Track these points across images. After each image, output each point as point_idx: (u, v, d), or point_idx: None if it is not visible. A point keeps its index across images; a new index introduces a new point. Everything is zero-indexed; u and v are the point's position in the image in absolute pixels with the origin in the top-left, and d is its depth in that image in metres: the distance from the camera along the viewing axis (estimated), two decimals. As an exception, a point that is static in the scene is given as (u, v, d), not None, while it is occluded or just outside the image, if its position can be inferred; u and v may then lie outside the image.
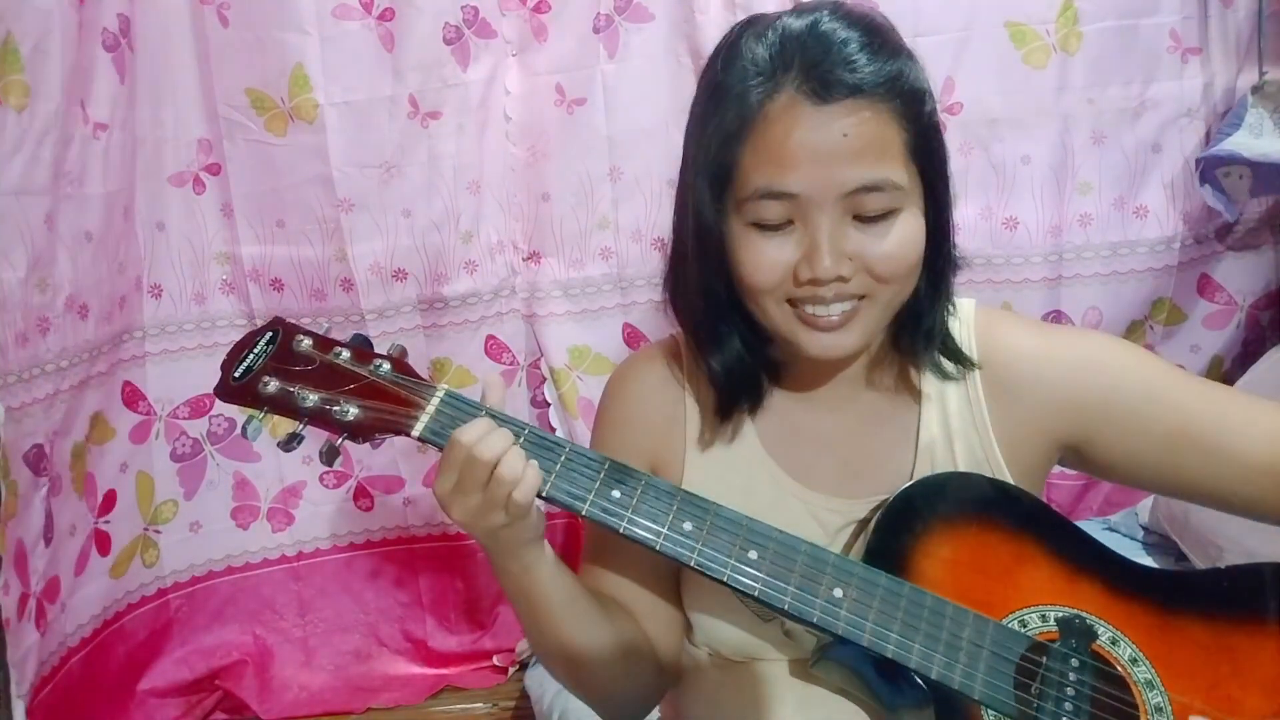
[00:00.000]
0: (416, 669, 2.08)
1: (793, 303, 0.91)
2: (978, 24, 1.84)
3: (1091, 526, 1.91)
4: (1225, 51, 1.86)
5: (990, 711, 0.86)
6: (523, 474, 0.85)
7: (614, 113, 1.90)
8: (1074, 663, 0.87)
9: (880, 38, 0.88)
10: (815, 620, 0.86)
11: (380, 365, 0.92)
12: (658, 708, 1.13)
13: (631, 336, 2.02)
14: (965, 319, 1.01)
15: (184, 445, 1.95)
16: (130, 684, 1.89)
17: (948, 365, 0.99)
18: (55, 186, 1.56)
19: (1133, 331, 1.96)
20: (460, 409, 0.90)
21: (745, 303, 0.94)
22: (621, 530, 0.89)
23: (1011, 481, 0.97)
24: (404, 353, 0.95)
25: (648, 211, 1.95)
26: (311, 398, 0.91)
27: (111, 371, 1.79)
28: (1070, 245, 1.93)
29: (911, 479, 0.97)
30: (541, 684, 1.75)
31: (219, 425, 1.97)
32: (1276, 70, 1.82)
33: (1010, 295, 1.94)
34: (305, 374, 0.92)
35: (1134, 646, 0.89)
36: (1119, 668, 0.88)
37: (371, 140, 1.85)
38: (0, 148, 1.46)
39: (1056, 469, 1.03)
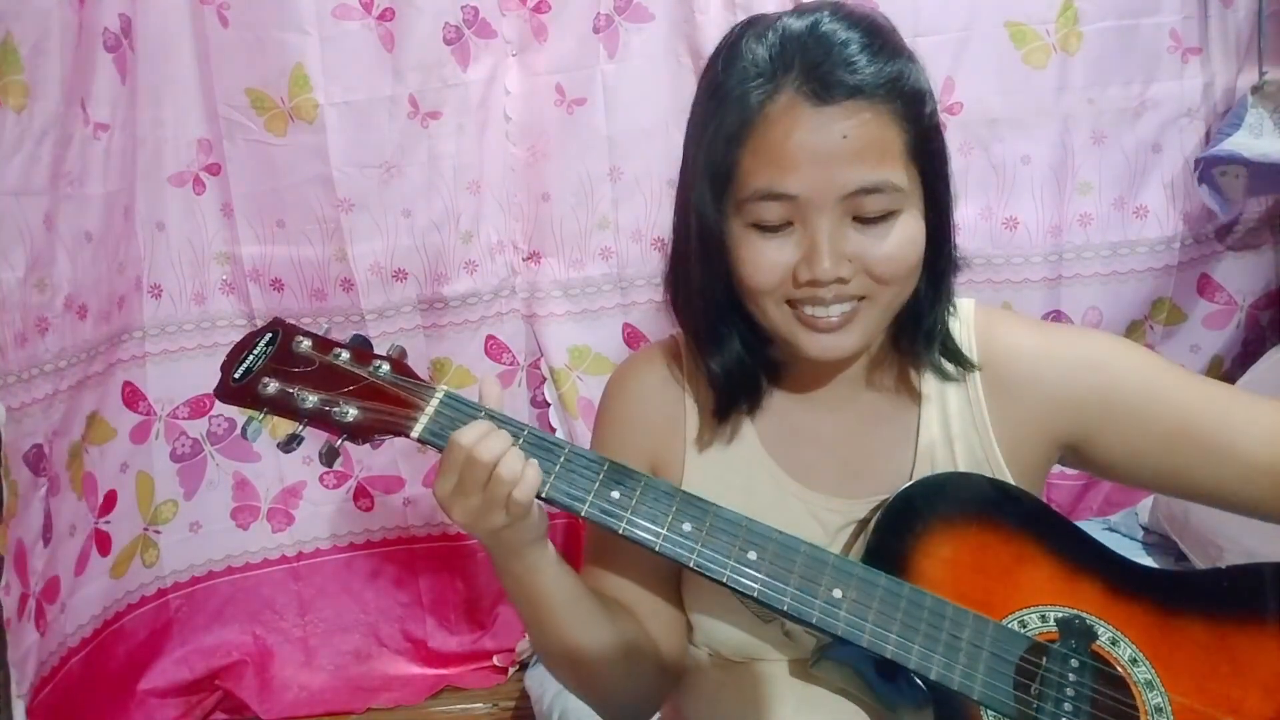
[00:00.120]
0: (416, 669, 2.08)
1: (792, 304, 0.91)
2: (978, 24, 1.84)
3: (1091, 526, 1.91)
4: (1225, 51, 1.87)
5: (989, 712, 0.86)
6: (522, 474, 0.85)
7: (614, 113, 1.90)
8: (1074, 663, 0.87)
9: (881, 39, 0.88)
10: (814, 621, 0.86)
11: (379, 366, 0.92)
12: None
13: (631, 336, 2.02)
14: (965, 319, 1.01)
15: (184, 445, 1.95)
16: (130, 684, 1.89)
17: (948, 366, 0.99)
18: (54, 186, 1.56)
19: (1133, 331, 1.96)
20: (459, 410, 0.90)
21: (745, 303, 0.94)
22: (621, 531, 0.88)
23: (1012, 481, 0.97)
24: (403, 354, 0.95)
25: (648, 211, 1.95)
26: (311, 399, 0.91)
27: (109, 371, 1.79)
28: (1070, 245, 1.93)
29: (911, 479, 0.97)
30: (541, 684, 1.75)
31: (219, 425, 1.97)
32: (1276, 70, 1.82)
33: (1010, 295, 1.94)
34: (305, 375, 0.92)
35: (1134, 647, 0.89)
36: (1119, 668, 0.88)
37: (371, 140, 1.85)
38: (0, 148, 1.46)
39: (1056, 469, 1.03)
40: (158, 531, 1.93)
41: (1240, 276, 1.98)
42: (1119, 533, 1.91)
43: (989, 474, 0.97)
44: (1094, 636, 0.88)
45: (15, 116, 1.46)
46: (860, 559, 0.91)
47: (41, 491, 1.57)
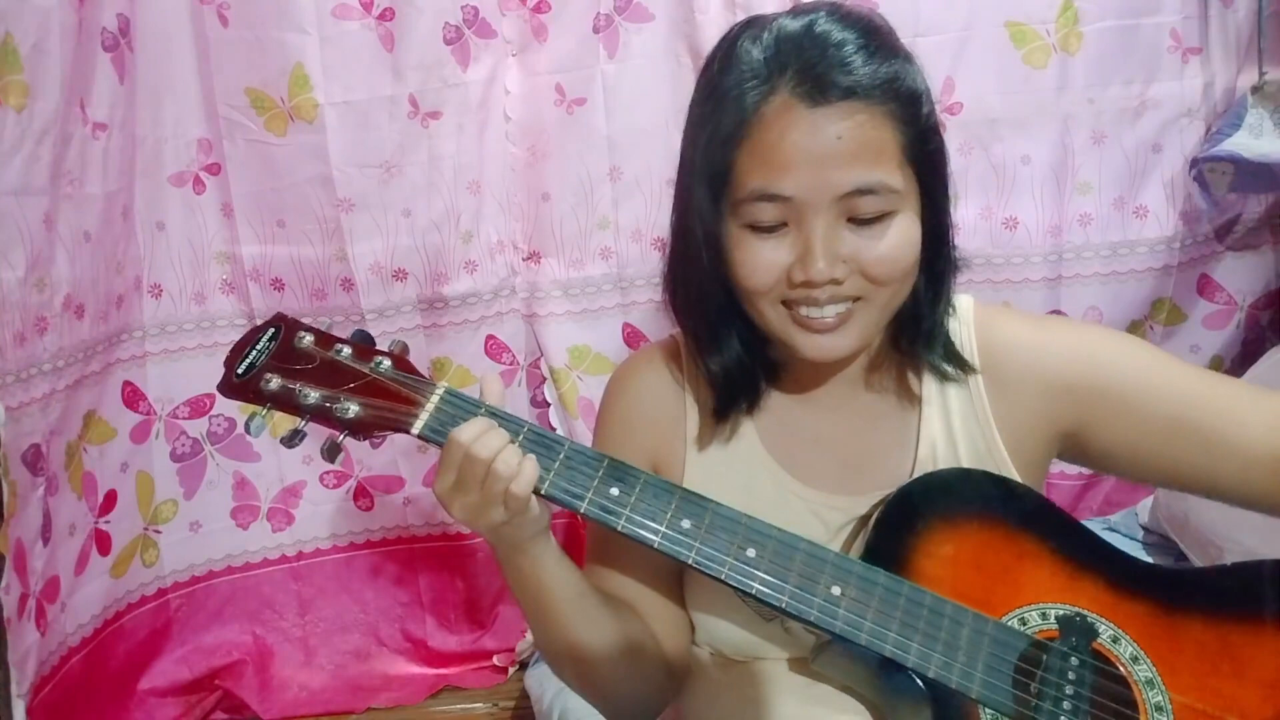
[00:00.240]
0: (416, 669, 2.08)
1: (788, 304, 0.91)
2: (978, 24, 1.84)
3: (1091, 526, 1.89)
4: (1225, 51, 1.86)
5: (987, 710, 0.86)
6: (518, 470, 0.85)
7: (614, 113, 1.90)
8: (1074, 661, 0.87)
9: (878, 39, 0.88)
10: (813, 619, 0.86)
11: (381, 362, 0.92)
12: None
13: (631, 336, 2.02)
14: (964, 317, 1.01)
15: (184, 445, 1.95)
16: (130, 684, 1.89)
17: (947, 368, 0.99)
18: (54, 186, 1.55)
19: (1132, 332, 1.96)
20: (460, 407, 0.91)
21: (742, 304, 0.94)
22: (620, 528, 0.89)
23: (1015, 474, 0.97)
24: (405, 349, 0.95)
25: (648, 211, 1.95)
26: (312, 395, 0.91)
27: (108, 371, 1.79)
28: (1070, 245, 1.93)
29: (912, 476, 0.97)
30: (541, 684, 1.75)
31: (219, 425, 1.97)
32: (1276, 70, 1.82)
33: (1010, 295, 1.94)
34: (307, 371, 0.92)
35: (1135, 645, 0.89)
36: (1120, 666, 0.88)
37: (371, 140, 1.85)
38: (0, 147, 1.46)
39: (1057, 469, 1.03)
40: (158, 531, 1.93)
41: (1240, 276, 1.98)
42: (1119, 533, 1.91)
43: (992, 469, 0.97)
44: (1095, 634, 0.88)
45: (15, 116, 1.46)
46: (860, 557, 0.91)
47: (40, 491, 1.56)
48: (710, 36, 1.79)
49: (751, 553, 0.88)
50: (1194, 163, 1.84)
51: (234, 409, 1.95)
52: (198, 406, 1.95)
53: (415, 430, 0.90)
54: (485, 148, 1.91)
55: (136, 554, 1.88)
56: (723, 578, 0.87)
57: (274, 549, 2.04)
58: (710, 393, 1.01)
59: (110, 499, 1.80)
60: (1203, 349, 2.00)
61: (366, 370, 0.92)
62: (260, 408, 0.93)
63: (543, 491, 0.88)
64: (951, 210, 0.96)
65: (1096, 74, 1.86)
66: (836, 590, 0.87)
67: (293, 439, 0.92)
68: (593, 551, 1.07)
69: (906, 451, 1.00)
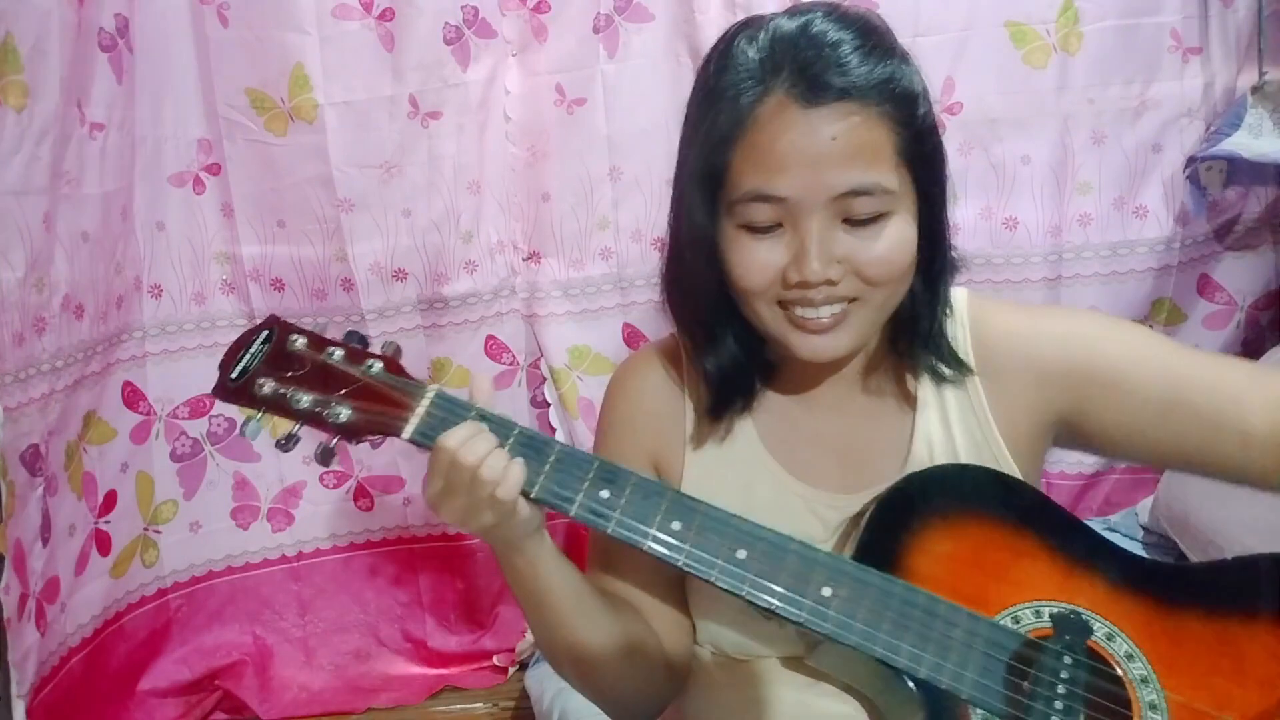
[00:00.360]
0: (416, 669, 2.08)
1: (783, 305, 0.91)
2: (978, 24, 1.84)
3: (1091, 526, 1.90)
4: (1225, 51, 1.86)
5: (978, 711, 0.85)
6: (504, 474, 0.85)
7: (614, 113, 1.90)
8: (1068, 660, 0.85)
9: (874, 40, 0.88)
10: (802, 620, 0.86)
11: (372, 366, 0.92)
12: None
13: (631, 336, 2.02)
14: (959, 312, 1.01)
15: (184, 445, 1.95)
16: (130, 684, 1.89)
17: (945, 371, 0.98)
18: (53, 186, 1.56)
19: (1133, 331, 1.96)
20: (450, 410, 0.90)
21: (738, 304, 0.94)
22: (610, 531, 0.88)
23: (1014, 469, 0.97)
24: (398, 351, 0.94)
25: (648, 211, 1.95)
26: (304, 400, 0.90)
27: (107, 371, 1.80)
28: (1070, 245, 1.93)
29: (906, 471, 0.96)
30: (541, 684, 1.75)
31: (219, 425, 1.97)
32: (1276, 70, 1.82)
33: (1010, 295, 1.93)
34: (299, 375, 0.92)
35: (1130, 642, 0.88)
36: (1114, 664, 0.87)
37: (371, 140, 1.85)
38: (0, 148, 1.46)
39: (1057, 469, 1.03)
40: (158, 531, 1.93)
41: (1240, 277, 1.98)
42: (1119, 533, 1.90)
43: (991, 461, 0.96)
44: (1089, 632, 0.87)
45: (15, 116, 1.46)
46: (852, 554, 0.90)
47: (39, 491, 1.57)
48: (710, 36, 1.77)
49: (742, 554, 0.87)
50: (1190, 161, 1.84)
51: (233, 409, 1.94)
52: (198, 407, 1.95)
53: (405, 435, 0.90)
54: (485, 148, 1.91)
55: (136, 554, 1.89)
56: (713, 580, 0.87)
57: (274, 549, 2.04)
58: (707, 392, 1.01)
59: (110, 499, 1.80)
60: (1203, 349, 1.99)
61: (358, 374, 0.92)
62: (255, 411, 0.93)
63: (532, 495, 0.88)
64: (950, 211, 0.96)
65: (1096, 74, 1.86)
66: (827, 591, 0.86)
67: (287, 443, 0.92)
68: (594, 554, 1.06)
69: (905, 447, 0.99)
